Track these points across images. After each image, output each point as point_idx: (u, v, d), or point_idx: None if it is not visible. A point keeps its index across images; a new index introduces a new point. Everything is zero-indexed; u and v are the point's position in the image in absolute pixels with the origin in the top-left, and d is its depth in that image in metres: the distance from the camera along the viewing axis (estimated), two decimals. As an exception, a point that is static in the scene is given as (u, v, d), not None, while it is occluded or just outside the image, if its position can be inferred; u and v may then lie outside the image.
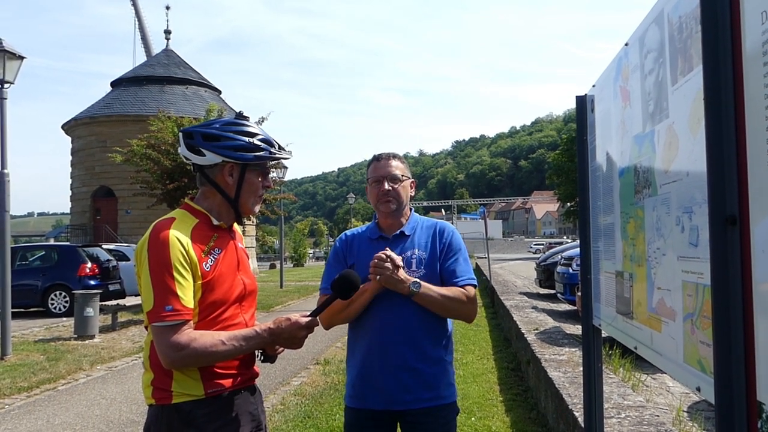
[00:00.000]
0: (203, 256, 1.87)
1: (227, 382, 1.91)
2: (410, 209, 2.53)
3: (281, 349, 2.04)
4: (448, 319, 2.47)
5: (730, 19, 1.22)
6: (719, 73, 1.23)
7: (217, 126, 1.97)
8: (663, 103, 1.68)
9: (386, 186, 2.42)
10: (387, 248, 2.34)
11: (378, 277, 2.27)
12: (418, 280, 2.31)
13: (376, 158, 2.50)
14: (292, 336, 1.93)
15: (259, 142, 1.96)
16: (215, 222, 1.97)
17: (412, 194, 2.54)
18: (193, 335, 1.78)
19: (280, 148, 2.04)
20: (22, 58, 9.46)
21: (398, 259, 2.30)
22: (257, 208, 2.06)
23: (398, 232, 2.46)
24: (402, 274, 2.29)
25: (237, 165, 1.95)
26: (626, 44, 2.06)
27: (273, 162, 2.10)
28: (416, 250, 2.43)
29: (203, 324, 1.86)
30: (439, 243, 2.46)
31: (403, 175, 2.46)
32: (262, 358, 2.04)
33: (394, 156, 2.49)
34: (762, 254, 1.13)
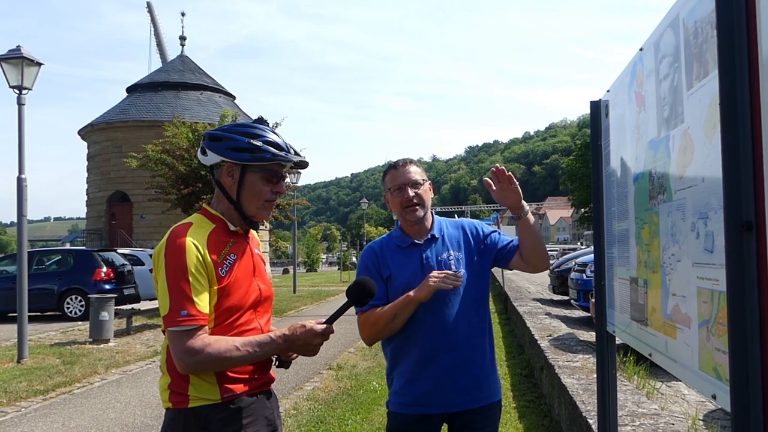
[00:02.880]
0: (219, 261, 1.88)
1: (243, 387, 1.92)
2: (431, 212, 2.54)
3: (295, 354, 2.05)
4: (488, 319, 2.52)
5: (746, 24, 1.21)
6: (735, 78, 1.22)
7: (226, 128, 1.99)
8: (678, 108, 1.67)
9: (410, 192, 2.42)
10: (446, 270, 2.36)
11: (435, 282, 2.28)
12: (526, 207, 2.39)
13: (393, 166, 2.50)
14: (306, 343, 1.92)
15: (260, 143, 1.93)
16: (232, 227, 1.98)
17: (432, 196, 2.56)
18: (207, 340, 1.79)
19: (295, 153, 2.02)
20: (39, 64, 9.60)
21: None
22: (266, 214, 2.03)
23: (429, 236, 2.47)
24: (521, 201, 2.37)
25: (236, 165, 1.95)
26: (641, 49, 2.05)
27: (286, 167, 2.09)
28: (452, 252, 2.46)
29: (219, 329, 1.87)
30: (472, 238, 2.52)
31: (422, 179, 2.47)
32: (276, 363, 2.05)
33: (410, 161, 2.50)
34: (779, 260, 1.12)
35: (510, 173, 2.35)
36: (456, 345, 2.36)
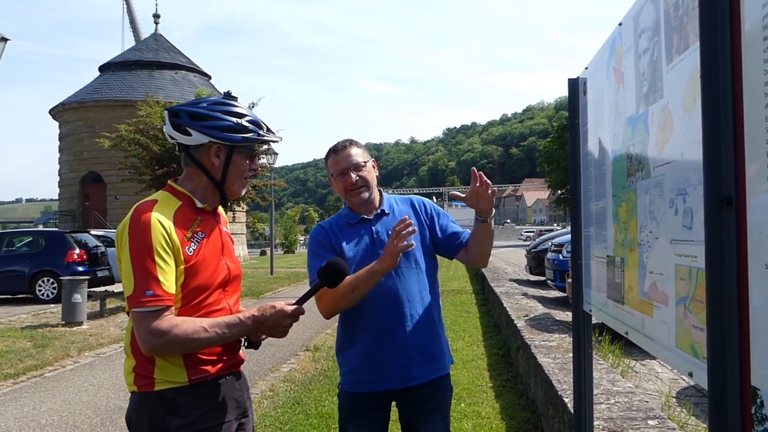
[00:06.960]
0: (186, 239, 1.82)
1: (211, 369, 1.87)
2: (379, 190, 2.51)
3: (265, 335, 2.00)
4: (438, 292, 2.52)
5: (729, -7, 1.17)
6: (717, 50, 1.18)
7: (205, 105, 1.91)
8: (657, 83, 1.64)
9: (353, 177, 2.38)
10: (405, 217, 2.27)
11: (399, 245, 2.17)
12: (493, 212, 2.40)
13: (333, 150, 2.44)
14: (276, 324, 1.88)
15: (247, 124, 1.91)
16: (199, 204, 1.92)
17: (377, 174, 2.52)
18: (174, 321, 1.73)
19: (268, 130, 1.98)
20: (5, 40, 9.31)
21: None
22: (243, 191, 2.01)
23: (378, 211, 2.46)
24: (492, 207, 2.37)
25: (224, 146, 1.90)
26: (620, 24, 2.02)
27: (262, 145, 2.05)
28: None
29: (186, 310, 1.81)
30: (424, 215, 2.51)
31: (364, 161, 2.42)
32: (246, 344, 2.00)
33: (351, 143, 2.45)
34: (758, 235, 1.09)
35: (487, 180, 2.32)
36: (410, 319, 2.36)
